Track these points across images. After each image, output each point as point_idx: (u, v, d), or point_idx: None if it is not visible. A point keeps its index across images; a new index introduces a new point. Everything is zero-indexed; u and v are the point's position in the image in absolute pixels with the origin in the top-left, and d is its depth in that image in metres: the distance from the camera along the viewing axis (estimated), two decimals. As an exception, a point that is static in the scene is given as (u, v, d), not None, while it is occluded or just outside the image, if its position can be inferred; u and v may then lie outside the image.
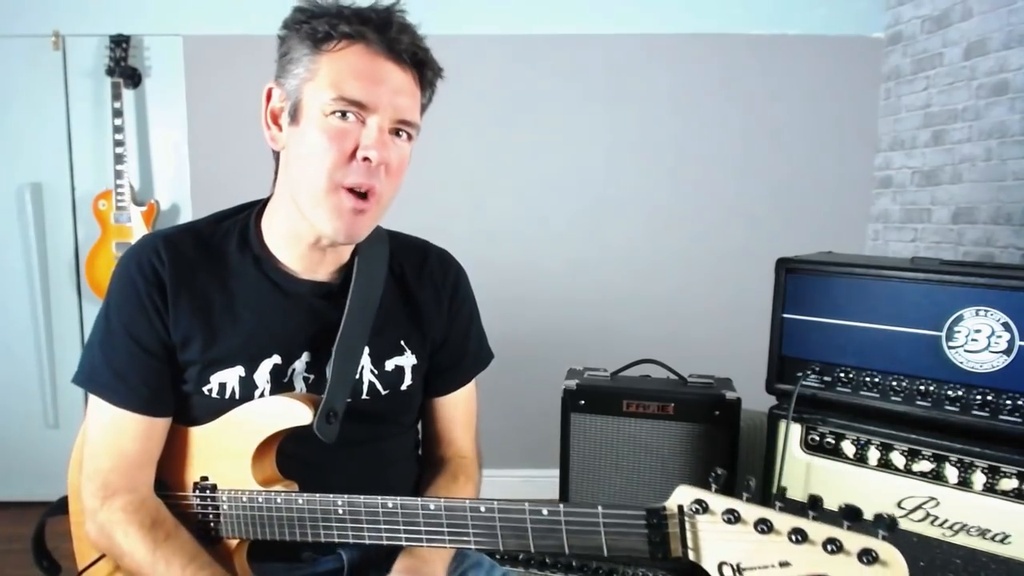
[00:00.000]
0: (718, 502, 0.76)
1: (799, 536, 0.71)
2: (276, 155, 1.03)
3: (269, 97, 1.00)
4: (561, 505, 0.84)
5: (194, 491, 1.02)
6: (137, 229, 2.65)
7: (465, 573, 1.15)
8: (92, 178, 2.70)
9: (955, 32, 2.30)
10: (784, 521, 0.72)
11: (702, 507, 0.76)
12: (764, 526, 0.73)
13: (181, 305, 0.99)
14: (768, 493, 1.55)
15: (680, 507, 0.78)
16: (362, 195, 0.94)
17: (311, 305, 1.04)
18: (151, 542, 0.96)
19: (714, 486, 0.78)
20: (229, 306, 1.01)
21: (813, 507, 0.72)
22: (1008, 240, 2.08)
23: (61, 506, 1.16)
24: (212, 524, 1.02)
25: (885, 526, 0.69)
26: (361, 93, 0.91)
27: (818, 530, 0.71)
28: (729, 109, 2.73)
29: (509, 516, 0.86)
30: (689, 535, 0.78)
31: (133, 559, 0.96)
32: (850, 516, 0.71)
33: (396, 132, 0.96)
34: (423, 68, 0.97)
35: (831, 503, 1.53)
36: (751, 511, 0.74)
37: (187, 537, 0.99)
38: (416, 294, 1.12)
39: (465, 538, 0.90)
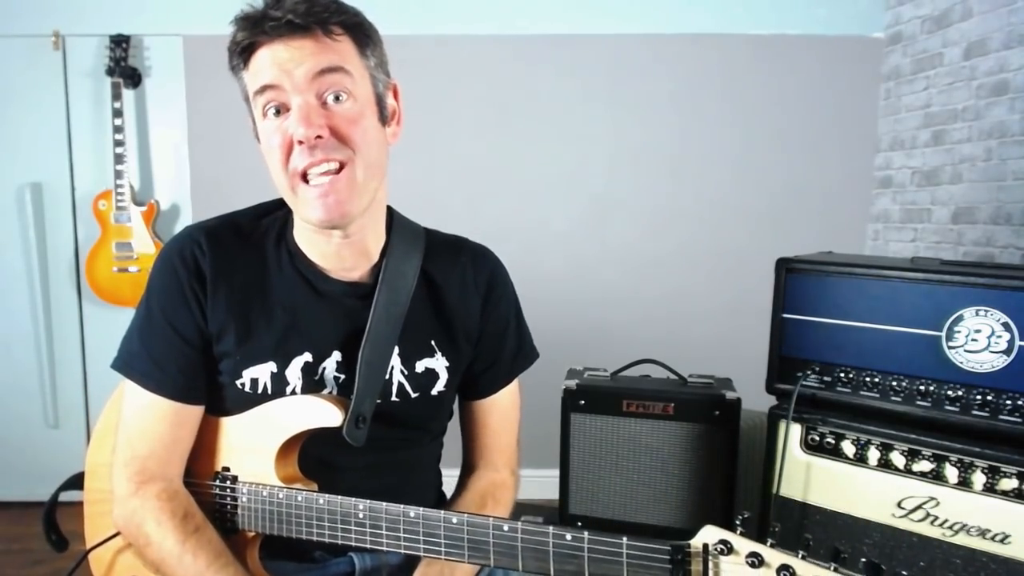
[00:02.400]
0: (743, 545, 0.77)
1: None
2: None
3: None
4: (585, 532, 0.84)
5: (214, 480, 1.04)
6: (137, 229, 2.65)
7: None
8: (92, 178, 2.70)
9: (955, 32, 2.30)
10: (807, 570, 0.74)
11: (727, 548, 0.77)
12: (787, 572, 0.74)
13: (219, 297, 1.00)
14: (768, 493, 1.55)
15: (705, 546, 0.79)
16: (329, 172, 0.93)
17: (343, 305, 1.04)
18: (181, 534, 0.97)
19: (740, 528, 0.79)
20: (265, 302, 1.02)
21: (835, 558, 0.73)
22: (1008, 240, 2.08)
23: (75, 482, 1.17)
24: (230, 515, 1.03)
25: None
26: (264, 78, 0.92)
27: None
28: (729, 109, 2.73)
29: (532, 538, 0.87)
30: (711, 575, 0.78)
31: (161, 549, 0.97)
32: (871, 571, 0.73)
33: (336, 98, 0.93)
34: (313, 23, 0.92)
35: (831, 503, 1.53)
36: (775, 557, 0.75)
37: (214, 533, 1.00)
38: (447, 294, 1.10)
39: (484, 556, 0.89)
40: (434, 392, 1.09)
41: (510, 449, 1.20)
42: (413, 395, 1.07)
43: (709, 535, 0.79)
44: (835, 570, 0.73)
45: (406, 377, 1.07)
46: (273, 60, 0.92)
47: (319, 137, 0.92)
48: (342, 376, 1.04)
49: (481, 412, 1.17)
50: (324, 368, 1.03)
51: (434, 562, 1.03)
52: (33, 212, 2.72)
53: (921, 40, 2.47)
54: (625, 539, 0.81)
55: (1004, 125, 2.10)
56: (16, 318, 2.77)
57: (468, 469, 1.18)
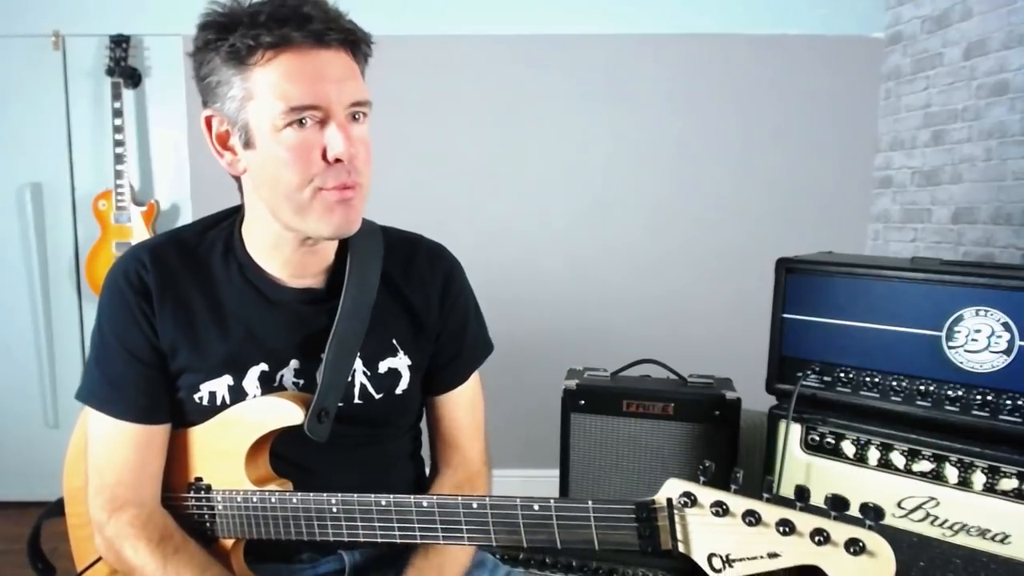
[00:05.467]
0: (706, 495, 0.77)
1: (787, 527, 0.72)
2: (235, 177, 1.01)
3: (209, 125, 0.96)
4: (552, 500, 0.85)
5: (188, 491, 1.03)
6: (137, 229, 2.65)
7: (469, 574, 1.13)
8: (92, 178, 2.70)
9: (955, 32, 2.30)
10: (772, 512, 0.73)
11: (690, 500, 0.77)
12: (752, 518, 0.74)
13: (166, 312, 0.99)
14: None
15: (669, 500, 0.79)
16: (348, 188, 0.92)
17: (297, 312, 1.03)
18: (160, 557, 0.96)
19: (702, 479, 0.78)
20: (214, 316, 1.01)
21: (800, 498, 0.73)
22: (1008, 240, 2.08)
23: (57, 508, 1.16)
24: (208, 524, 1.02)
25: (872, 516, 0.71)
26: (309, 96, 0.87)
27: (806, 521, 0.72)
28: (729, 109, 2.72)
29: (501, 511, 0.87)
30: (678, 527, 0.78)
31: (144, 574, 0.96)
32: (837, 506, 0.72)
33: (352, 116, 0.92)
34: (356, 45, 0.93)
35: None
36: (739, 503, 0.75)
37: (196, 549, 0.99)
38: (405, 292, 1.09)
39: (458, 534, 0.91)
40: (398, 391, 1.08)
41: (479, 441, 1.19)
42: (376, 396, 1.06)
43: (672, 488, 0.79)
44: (800, 509, 0.73)
45: (369, 378, 1.06)
46: (317, 74, 0.88)
47: (353, 158, 0.91)
48: (301, 382, 1.03)
49: (447, 407, 1.16)
50: (282, 376, 1.02)
51: (428, 553, 1.04)
52: (33, 212, 2.71)
53: (921, 40, 2.47)
54: (591, 502, 0.82)
55: (1004, 125, 2.10)
56: (16, 318, 2.77)
57: (439, 468, 1.18)
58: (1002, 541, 1.30)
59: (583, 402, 1.89)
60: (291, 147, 0.89)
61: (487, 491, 1.17)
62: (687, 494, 0.77)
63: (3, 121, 2.68)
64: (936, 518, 1.36)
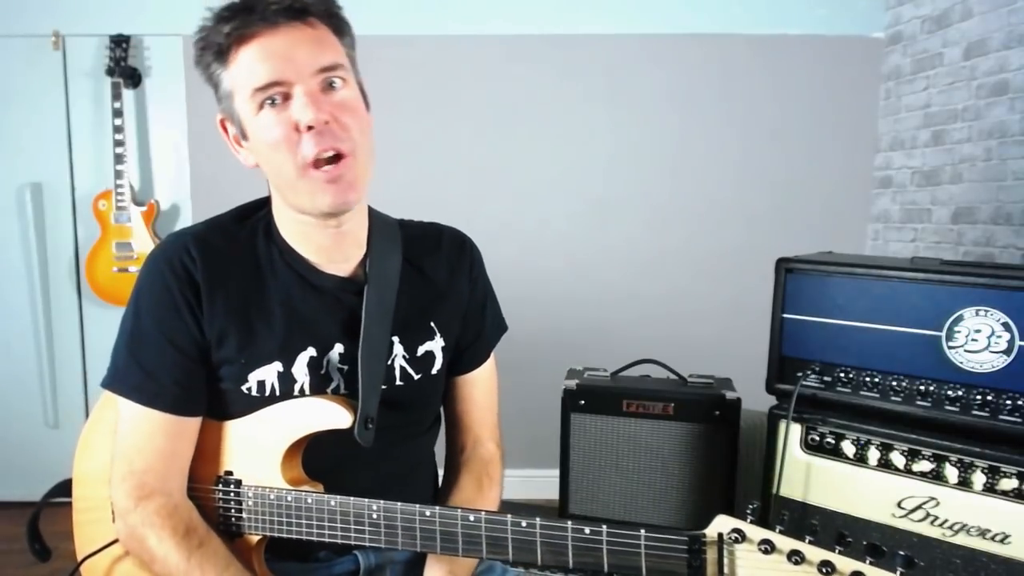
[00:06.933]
0: (755, 532, 0.81)
1: (828, 568, 0.77)
2: None
3: (224, 128, 1.01)
4: (604, 526, 0.86)
5: (216, 484, 1.03)
6: (137, 229, 2.65)
7: None
8: (92, 178, 2.70)
9: (955, 32, 2.30)
10: (815, 554, 0.78)
11: (740, 536, 0.81)
12: (797, 557, 0.78)
13: (216, 303, 0.99)
14: (768, 493, 1.55)
15: (720, 535, 0.82)
16: (332, 160, 0.93)
17: (338, 297, 1.05)
18: (185, 549, 0.96)
19: (750, 517, 0.83)
20: (262, 302, 1.01)
21: (840, 542, 0.78)
22: (1008, 240, 2.08)
23: (61, 490, 1.16)
24: (234, 519, 1.02)
25: (903, 563, 0.76)
26: (269, 74, 0.91)
27: (845, 564, 0.77)
28: (729, 109, 2.73)
29: (550, 533, 0.88)
30: (726, 562, 0.82)
31: (166, 565, 0.96)
32: (873, 553, 0.77)
33: (329, 85, 0.94)
34: (304, 13, 0.94)
35: (831, 503, 1.53)
36: (785, 543, 0.80)
37: (219, 544, 0.98)
38: (435, 277, 1.12)
39: (503, 552, 0.91)
40: (433, 372, 1.11)
41: (494, 422, 1.22)
42: (416, 377, 1.09)
43: (723, 524, 0.83)
44: (840, 553, 0.77)
45: (408, 361, 1.08)
46: (271, 52, 0.92)
47: (326, 123, 0.92)
48: (346, 367, 1.04)
49: (467, 387, 1.19)
50: (328, 361, 1.03)
51: (440, 559, 1.04)
52: (33, 212, 2.72)
53: (921, 40, 2.47)
54: (643, 530, 0.85)
55: (1004, 125, 2.10)
56: (16, 318, 2.77)
57: (457, 450, 1.20)
58: (1002, 541, 1.30)
59: (583, 402, 1.89)
60: (269, 128, 0.93)
61: (501, 474, 1.19)
62: (737, 530, 0.82)
63: (3, 121, 2.68)
64: (936, 518, 1.37)
